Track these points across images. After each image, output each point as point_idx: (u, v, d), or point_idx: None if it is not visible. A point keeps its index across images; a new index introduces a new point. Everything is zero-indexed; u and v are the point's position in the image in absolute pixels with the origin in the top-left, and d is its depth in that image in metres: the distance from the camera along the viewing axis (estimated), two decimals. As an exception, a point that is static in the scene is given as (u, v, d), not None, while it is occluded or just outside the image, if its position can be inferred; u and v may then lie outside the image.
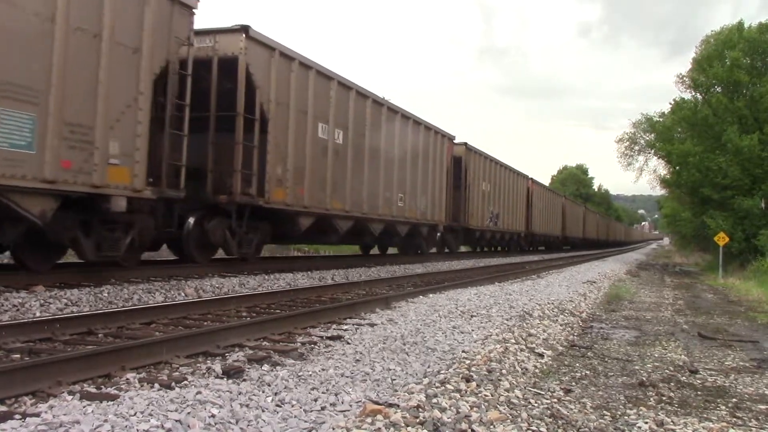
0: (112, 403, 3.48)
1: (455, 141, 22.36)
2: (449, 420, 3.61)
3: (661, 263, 38.60)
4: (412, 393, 4.09)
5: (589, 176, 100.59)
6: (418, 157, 18.90)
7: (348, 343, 5.82)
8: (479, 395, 4.29)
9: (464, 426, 3.59)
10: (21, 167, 7.36)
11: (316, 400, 3.86)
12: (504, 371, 5.15)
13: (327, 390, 4.11)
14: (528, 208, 33.51)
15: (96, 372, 4.22)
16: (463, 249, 28.03)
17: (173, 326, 6.43)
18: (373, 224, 16.46)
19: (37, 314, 6.56)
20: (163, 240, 11.51)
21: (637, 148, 35.93)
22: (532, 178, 34.63)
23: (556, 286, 13.41)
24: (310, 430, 3.39)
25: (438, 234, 21.53)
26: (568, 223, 45.11)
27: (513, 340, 6.54)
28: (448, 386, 4.35)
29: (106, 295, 7.85)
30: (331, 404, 3.84)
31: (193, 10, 9.97)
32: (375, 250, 21.31)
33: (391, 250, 21.54)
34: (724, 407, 4.95)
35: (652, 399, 5.11)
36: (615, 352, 7.17)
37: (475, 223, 24.67)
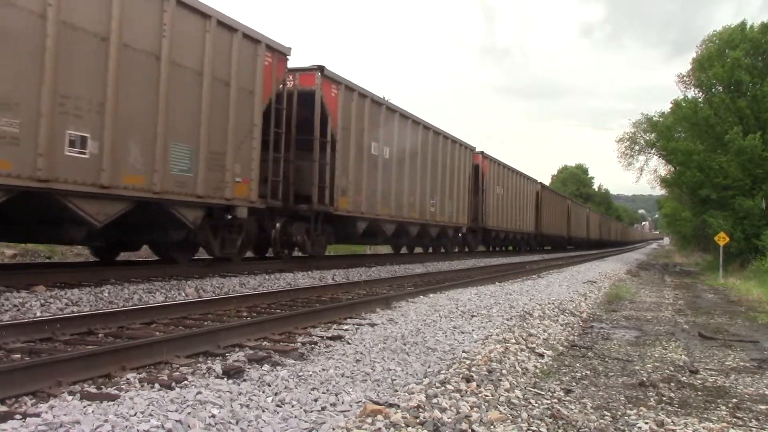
0: (112, 403, 3.48)
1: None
2: (449, 420, 3.61)
3: (662, 263, 38.55)
4: (413, 393, 4.09)
5: (590, 176, 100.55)
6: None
7: (348, 343, 5.81)
8: (479, 395, 4.30)
9: (464, 426, 3.59)
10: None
11: (316, 401, 3.86)
12: (504, 371, 5.15)
13: (327, 390, 4.11)
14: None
15: (96, 372, 4.22)
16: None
17: (173, 326, 6.43)
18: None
19: (38, 314, 6.55)
20: None
21: (637, 148, 36.05)
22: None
23: (557, 286, 13.41)
24: (310, 430, 3.40)
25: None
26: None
27: (513, 340, 6.54)
28: (449, 386, 4.35)
29: (106, 295, 7.85)
30: (331, 404, 3.84)
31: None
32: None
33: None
34: (724, 407, 4.95)
35: (652, 399, 5.11)
36: (615, 352, 7.17)
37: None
